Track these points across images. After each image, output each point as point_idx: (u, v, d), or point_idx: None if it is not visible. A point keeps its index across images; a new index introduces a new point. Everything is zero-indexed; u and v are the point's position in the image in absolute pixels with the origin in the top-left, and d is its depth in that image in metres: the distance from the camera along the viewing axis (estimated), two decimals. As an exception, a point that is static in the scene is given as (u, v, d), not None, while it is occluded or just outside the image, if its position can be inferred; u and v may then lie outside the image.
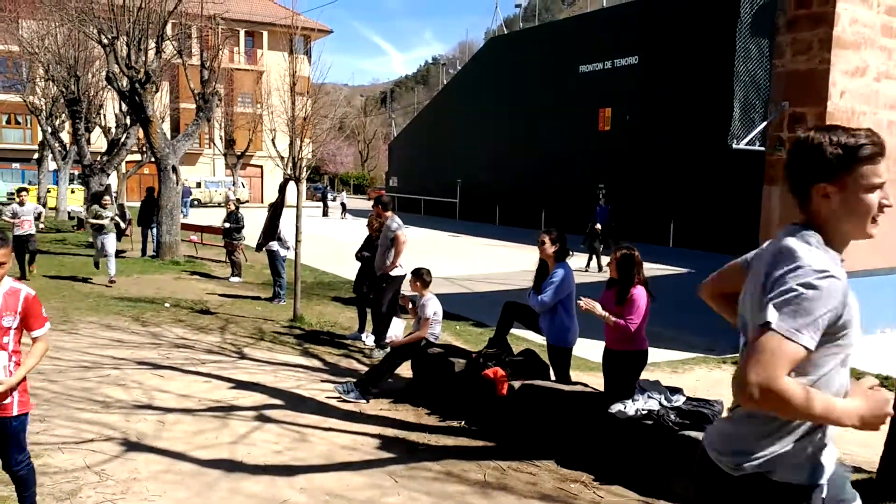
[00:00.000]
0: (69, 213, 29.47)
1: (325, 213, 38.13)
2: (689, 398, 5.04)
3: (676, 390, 5.03)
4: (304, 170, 10.52)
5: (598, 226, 17.01)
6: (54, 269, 14.73)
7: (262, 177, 51.47)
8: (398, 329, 7.43)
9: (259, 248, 12.24)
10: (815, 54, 8.98)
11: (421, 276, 7.16)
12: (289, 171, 10.32)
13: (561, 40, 30.43)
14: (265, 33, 50.43)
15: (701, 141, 22.37)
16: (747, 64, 9.48)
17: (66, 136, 30.32)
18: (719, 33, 16.86)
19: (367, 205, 42.75)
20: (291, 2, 11.40)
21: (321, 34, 48.54)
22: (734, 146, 9.35)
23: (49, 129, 28.97)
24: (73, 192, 32.34)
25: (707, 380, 7.96)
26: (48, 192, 32.77)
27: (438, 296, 7.30)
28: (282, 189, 11.91)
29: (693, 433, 4.63)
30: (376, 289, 8.71)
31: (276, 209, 11.96)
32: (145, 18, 16.10)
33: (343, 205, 39.07)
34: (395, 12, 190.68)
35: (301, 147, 10.24)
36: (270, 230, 11.91)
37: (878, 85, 9.47)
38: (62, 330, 9.16)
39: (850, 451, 5.77)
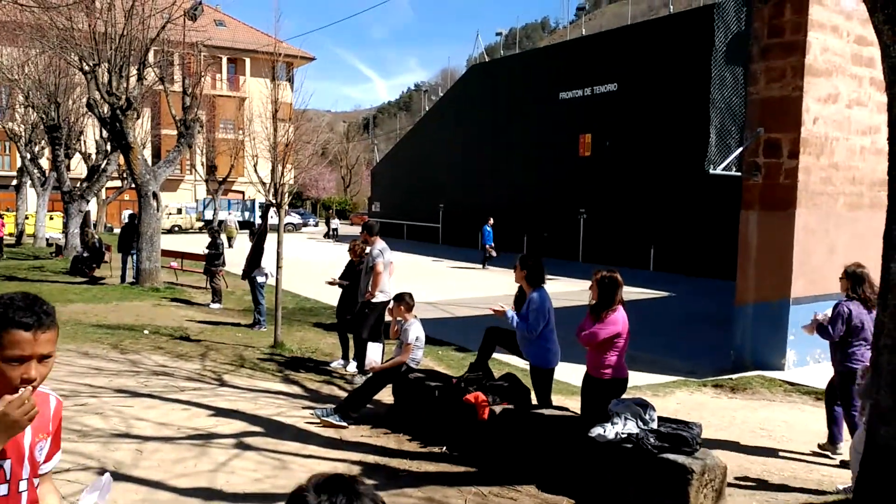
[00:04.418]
0: (47, 239, 29.17)
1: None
2: (667, 419, 5.06)
3: (646, 404, 5.04)
4: (287, 195, 10.53)
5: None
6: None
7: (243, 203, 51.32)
8: (376, 354, 7.42)
9: (245, 276, 12.09)
10: (788, 82, 9.18)
11: (404, 301, 7.18)
12: (271, 197, 10.33)
13: (541, 67, 30.83)
14: (248, 60, 50.64)
15: (680, 166, 22.67)
16: (723, 91, 9.67)
17: (45, 163, 30.12)
18: (695, 61, 17.19)
19: (348, 230, 42.84)
20: (274, 29, 11.47)
21: (304, 61, 48.93)
22: (711, 171, 9.49)
23: (28, 156, 28.77)
24: (51, 218, 32.08)
25: (688, 403, 8.00)
26: (26, 218, 32.47)
27: (420, 321, 7.31)
28: (264, 215, 11.89)
29: (672, 456, 4.65)
30: (359, 314, 8.70)
31: (259, 236, 11.90)
32: (127, 45, 16.13)
33: (335, 230, 40.27)
34: (380, 40, 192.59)
35: (283, 173, 10.26)
36: (255, 258, 11.80)
37: (850, 111, 9.68)
38: (39, 358, 9.02)
39: (827, 472, 5.82)
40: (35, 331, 1.84)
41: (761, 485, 5.51)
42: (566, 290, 16.53)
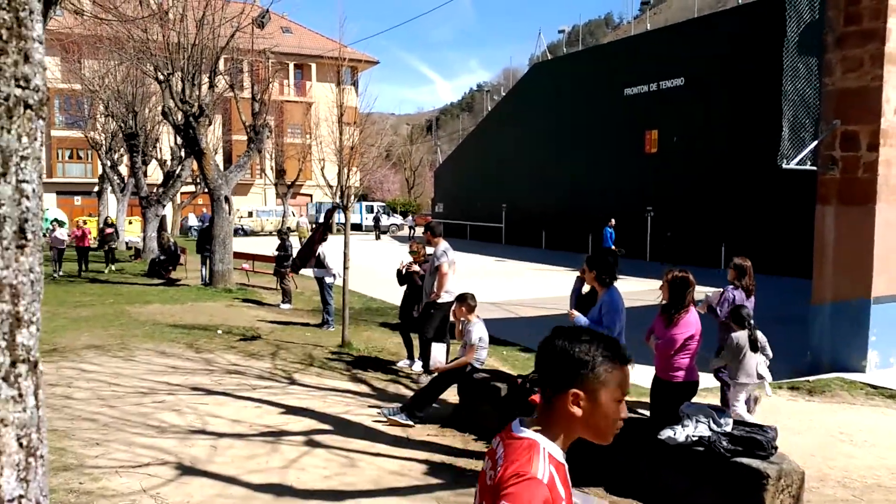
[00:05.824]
0: (126, 243, 30.43)
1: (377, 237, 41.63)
2: (740, 422, 4.92)
3: (723, 411, 4.93)
4: (353, 198, 10.70)
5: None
6: (112, 298, 15.21)
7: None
8: (441, 354, 7.45)
9: (294, 269, 12.40)
10: (866, 71, 8.79)
11: (466, 301, 7.17)
12: (337, 200, 10.51)
13: (605, 64, 30.40)
14: (314, 65, 51.67)
15: (751, 161, 22.00)
16: (795, 83, 9.33)
17: (124, 170, 31.45)
18: (765, 52, 16.65)
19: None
20: (339, 34, 11.67)
21: (368, 65, 49.55)
22: (784, 166, 9.18)
23: (108, 163, 30.13)
24: (130, 223, 33.46)
25: (763, 405, 7.73)
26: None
27: (485, 321, 7.30)
28: (327, 216, 12.08)
29: (746, 460, 4.52)
30: (424, 314, 8.76)
31: (314, 234, 12.01)
32: (199, 55, 16.70)
33: (411, 228, 42.13)
34: (442, 42, 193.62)
35: (349, 175, 10.43)
36: (306, 253, 11.84)
37: (935, 101, 9.19)
38: (120, 357, 9.45)
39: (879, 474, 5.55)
40: None
41: (842, 491, 5.30)
42: (633, 290, 16.24)
